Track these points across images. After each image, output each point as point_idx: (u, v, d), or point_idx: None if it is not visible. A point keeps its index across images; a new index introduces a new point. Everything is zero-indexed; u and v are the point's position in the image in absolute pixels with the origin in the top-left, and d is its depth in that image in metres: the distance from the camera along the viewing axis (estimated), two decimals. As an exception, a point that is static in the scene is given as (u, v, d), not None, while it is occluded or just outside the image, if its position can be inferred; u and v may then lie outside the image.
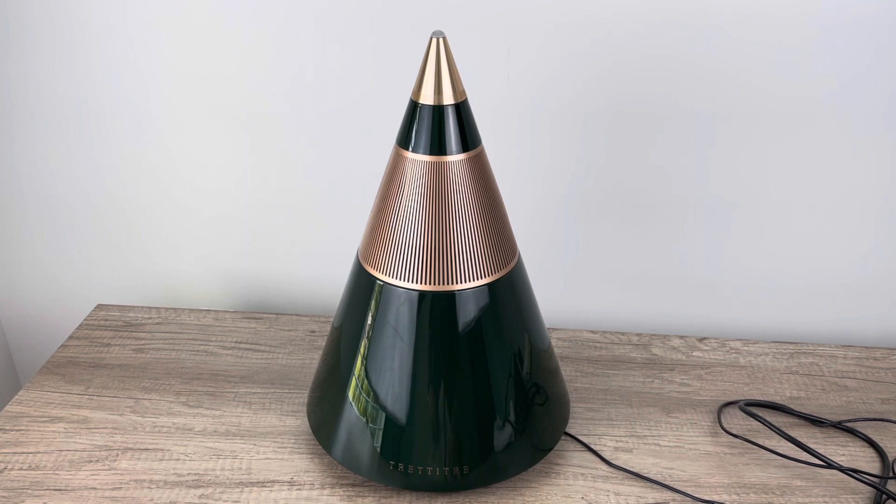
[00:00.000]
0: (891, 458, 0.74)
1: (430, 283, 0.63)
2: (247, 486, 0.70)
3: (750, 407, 0.79)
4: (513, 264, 0.67)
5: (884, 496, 0.69)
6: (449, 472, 0.67)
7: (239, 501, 0.68)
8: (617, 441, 0.76)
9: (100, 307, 0.97)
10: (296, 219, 0.97)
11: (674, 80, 0.84)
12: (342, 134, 0.90)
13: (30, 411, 0.79)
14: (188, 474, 0.71)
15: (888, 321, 0.96)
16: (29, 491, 0.69)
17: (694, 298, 0.97)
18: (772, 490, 0.71)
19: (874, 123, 0.84)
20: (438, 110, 0.61)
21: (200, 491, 0.69)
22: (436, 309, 0.64)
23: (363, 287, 0.67)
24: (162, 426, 0.77)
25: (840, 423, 0.78)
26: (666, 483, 0.71)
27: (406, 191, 0.63)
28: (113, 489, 0.70)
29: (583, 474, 0.72)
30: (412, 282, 0.63)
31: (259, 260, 1.01)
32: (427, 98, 0.61)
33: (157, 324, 0.94)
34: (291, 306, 1.03)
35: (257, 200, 0.96)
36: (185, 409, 0.80)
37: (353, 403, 0.68)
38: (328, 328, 0.94)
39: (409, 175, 0.63)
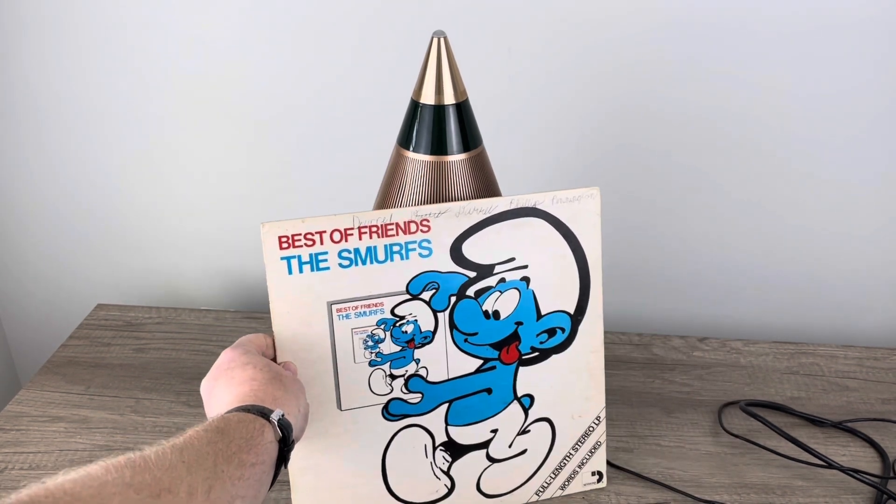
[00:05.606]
0: (891, 459, 0.74)
1: (430, 283, 0.63)
2: (247, 486, 0.70)
3: (751, 407, 0.79)
4: (514, 264, 0.67)
5: (884, 496, 0.69)
6: (450, 472, 0.67)
7: (239, 501, 0.68)
8: (618, 441, 0.76)
9: (100, 307, 0.97)
10: (296, 218, 0.96)
11: (674, 79, 0.84)
12: (342, 134, 0.90)
13: (30, 411, 0.79)
14: (189, 474, 0.71)
15: (888, 321, 0.95)
16: (29, 491, 0.69)
17: (694, 298, 0.97)
18: (773, 490, 0.71)
19: (875, 123, 0.84)
20: (439, 110, 0.61)
21: (201, 491, 0.69)
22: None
23: (364, 287, 0.66)
24: (162, 426, 0.77)
25: (841, 423, 0.78)
26: (667, 483, 0.71)
27: (407, 190, 0.63)
28: (113, 489, 0.69)
29: (583, 474, 0.72)
30: (413, 281, 0.63)
31: (259, 259, 1.00)
32: (428, 98, 0.61)
33: (158, 323, 0.94)
34: (292, 306, 1.03)
35: (257, 200, 0.96)
36: (186, 408, 0.80)
37: (353, 403, 0.68)
38: (328, 328, 0.93)
39: (409, 175, 0.63)
